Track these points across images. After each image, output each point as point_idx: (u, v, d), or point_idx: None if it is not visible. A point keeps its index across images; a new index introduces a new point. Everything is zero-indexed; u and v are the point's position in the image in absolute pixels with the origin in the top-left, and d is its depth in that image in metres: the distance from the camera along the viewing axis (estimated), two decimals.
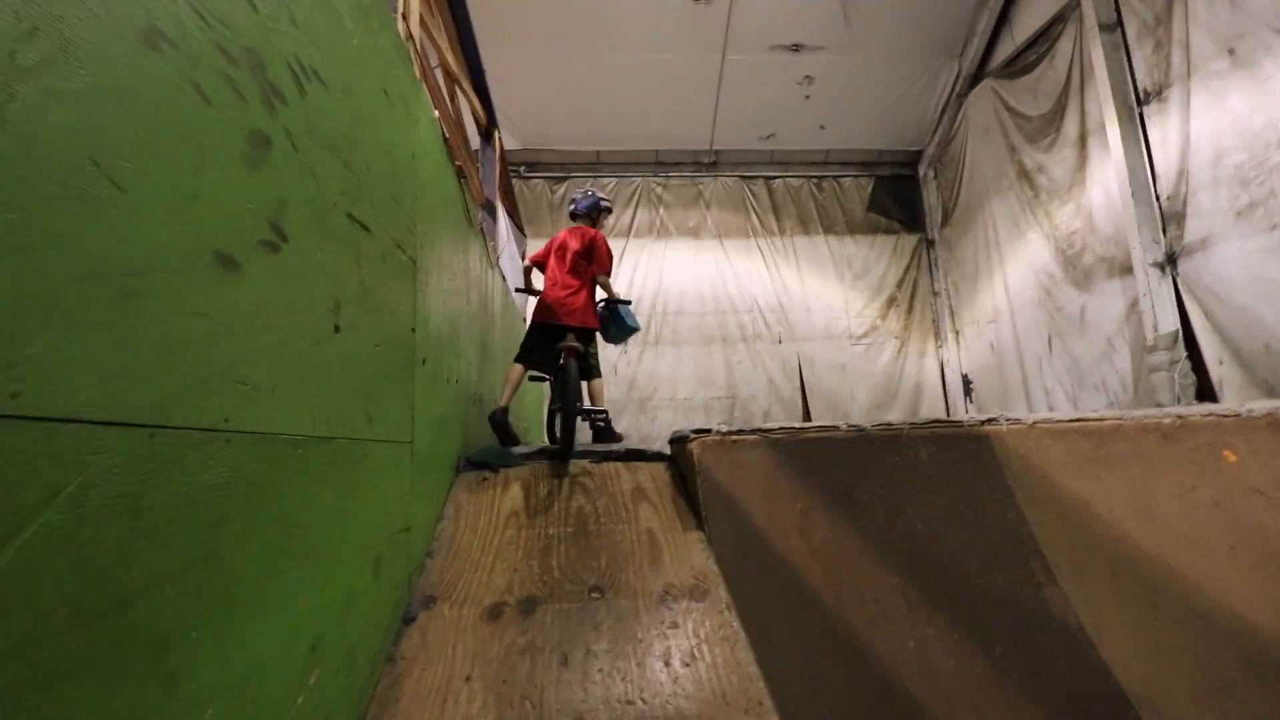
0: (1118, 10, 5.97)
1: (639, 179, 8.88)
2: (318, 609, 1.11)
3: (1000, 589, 1.99)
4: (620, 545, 1.97)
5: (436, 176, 2.15)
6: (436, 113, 2.28)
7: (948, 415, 8.22)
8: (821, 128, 8.74)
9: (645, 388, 8.24)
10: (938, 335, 8.87)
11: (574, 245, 3.09)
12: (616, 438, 3.18)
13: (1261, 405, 2.69)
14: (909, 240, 9.08)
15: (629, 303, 3.35)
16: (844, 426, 2.32)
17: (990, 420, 2.40)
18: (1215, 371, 5.17)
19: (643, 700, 1.38)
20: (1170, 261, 5.50)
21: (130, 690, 0.64)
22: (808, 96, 8.31)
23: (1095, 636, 1.91)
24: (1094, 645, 1.89)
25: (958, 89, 8.22)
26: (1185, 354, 5.37)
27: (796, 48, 7.80)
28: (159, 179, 0.71)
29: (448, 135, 2.52)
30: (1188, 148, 5.29)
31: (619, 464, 2.50)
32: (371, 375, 1.41)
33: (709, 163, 9.07)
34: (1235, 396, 5.02)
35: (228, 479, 0.82)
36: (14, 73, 0.55)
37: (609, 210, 3.45)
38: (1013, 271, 7.53)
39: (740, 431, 2.27)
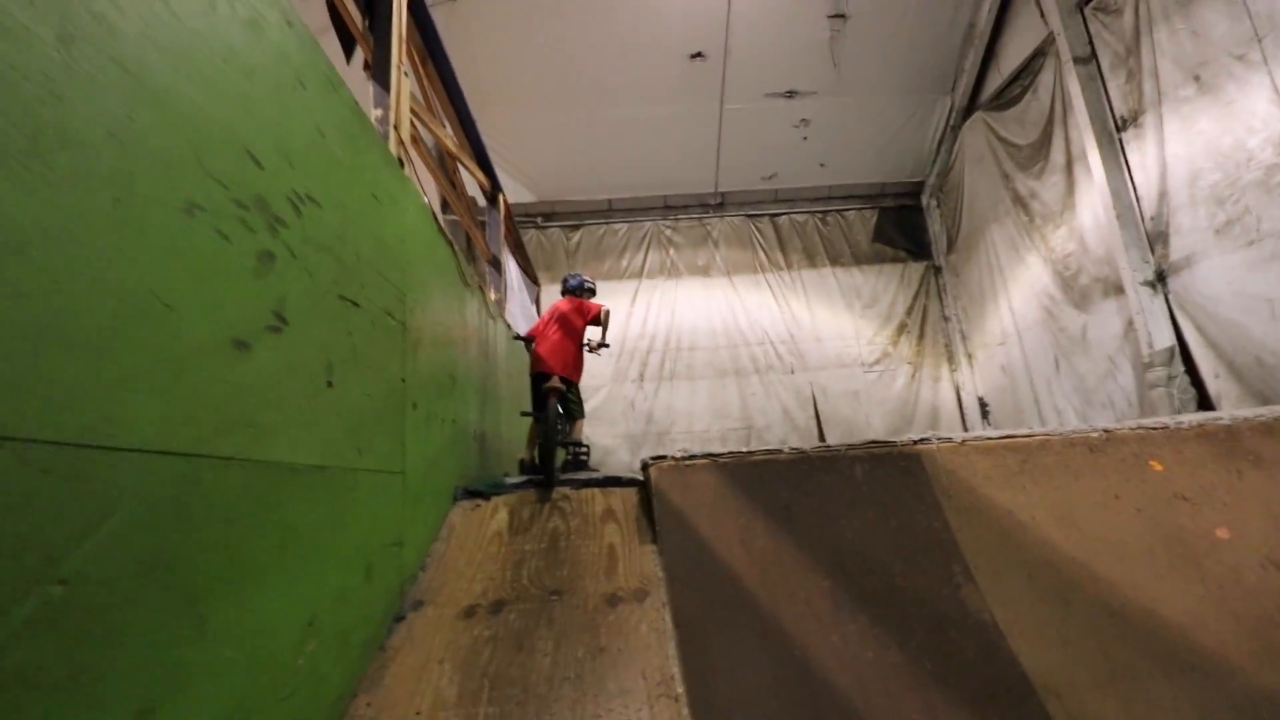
0: (1091, 43, 6.24)
1: (649, 223, 9.37)
2: (313, 596, 1.48)
3: (921, 589, 2.23)
4: (583, 557, 2.30)
5: (427, 250, 2.59)
6: (427, 196, 2.74)
7: None
8: (822, 165, 9.11)
9: (663, 421, 8.55)
10: (951, 359, 8.95)
11: (564, 308, 3.64)
12: (591, 470, 3.56)
13: (1192, 417, 2.88)
14: (916, 268, 9.27)
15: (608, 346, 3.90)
16: (786, 450, 2.61)
17: (923, 440, 2.66)
18: (1212, 385, 5.22)
19: (577, 676, 1.70)
20: (1161, 279, 5.61)
21: (176, 620, 1.02)
22: (805, 138, 8.72)
23: (1006, 630, 2.13)
24: (1004, 638, 2.11)
25: (952, 121, 8.52)
26: (1183, 369, 5.42)
27: (790, 94, 8.25)
28: (194, 297, 1.13)
29: (450, 206, 2.98)
30: (1165, 170, 5.46)
31: (596, 489, 2.84)
32: (362, 418, 1.81)
33: (715, 204, 9.52)
34: (1233, 408, 5.04)
35: (240, 492, 1.21)
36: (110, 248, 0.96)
37: (593, 290, 4.01)
38: (1016, 294, 7.65)
39: (693, 456, 2.60)
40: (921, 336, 8.94)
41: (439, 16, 6.84)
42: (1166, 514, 2.48)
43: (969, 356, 8.70)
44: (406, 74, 2.55)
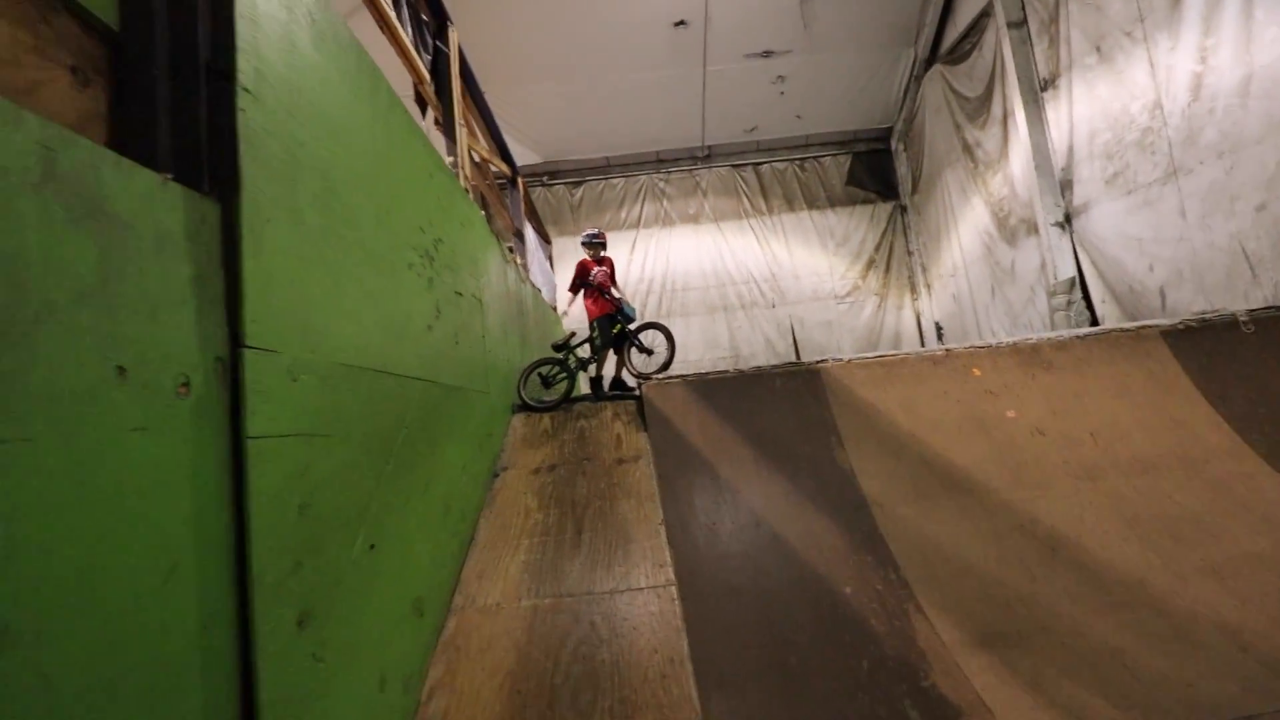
0: (1023, 8, 7.09)
1: (644, 176, 10.40)
2: (462, 453, 2.86)
3: (809, 452, 3.60)
4: (601, 440, 3.69)
5: (487, 249, 3.85)
6: (482, 209, 3.97)
7: None
8: (798, 117, 10.01)
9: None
10: (913, 290, 10.16)
11: (609, 268, 4.86)
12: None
13: (1008, 339, 4.17)
14: (885, 208, 10.32)
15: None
16: (732, 371, 3.95)
17: (822, 361, 3.98)
18: (1100, 309, 6.47)
19: (600, 495, 3.10)
20: (1068, 221, 6.75)
21: (429, 450, 2.39)
22: (782, 93, 9.59)
23: (858, 472, 3.50)
24: (855, 476, 3.49)
25: (914, 72, 9.35)
26: (1081, 296, 6.65)
27: (767, 54, 9.08)
28: (414, 307, 2.43)
29: (486, 199, 4.19)
30: (1073, 128, 6.49)
31: (608, 402, 4.21)
32: (469, 361, 3.15)
33: (703, 156, 10.49)
34: (1111, 324, 6.30)
35: (437, 397, 2.56)
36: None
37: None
38: (964, 232, 8.77)
39: (670, 378, 3.94)
40: (888, 270, 10.11)
41: (449, 6, 7.71)
42: (976, 402, 3.80)
43: (928, 287, 9.89)
44: (463, 124, 3.72)
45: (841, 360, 3.97)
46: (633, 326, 4.68)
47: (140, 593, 1.00)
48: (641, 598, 2.33)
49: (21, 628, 0.81)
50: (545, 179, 10.21)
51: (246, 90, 1.38)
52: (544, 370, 4.42)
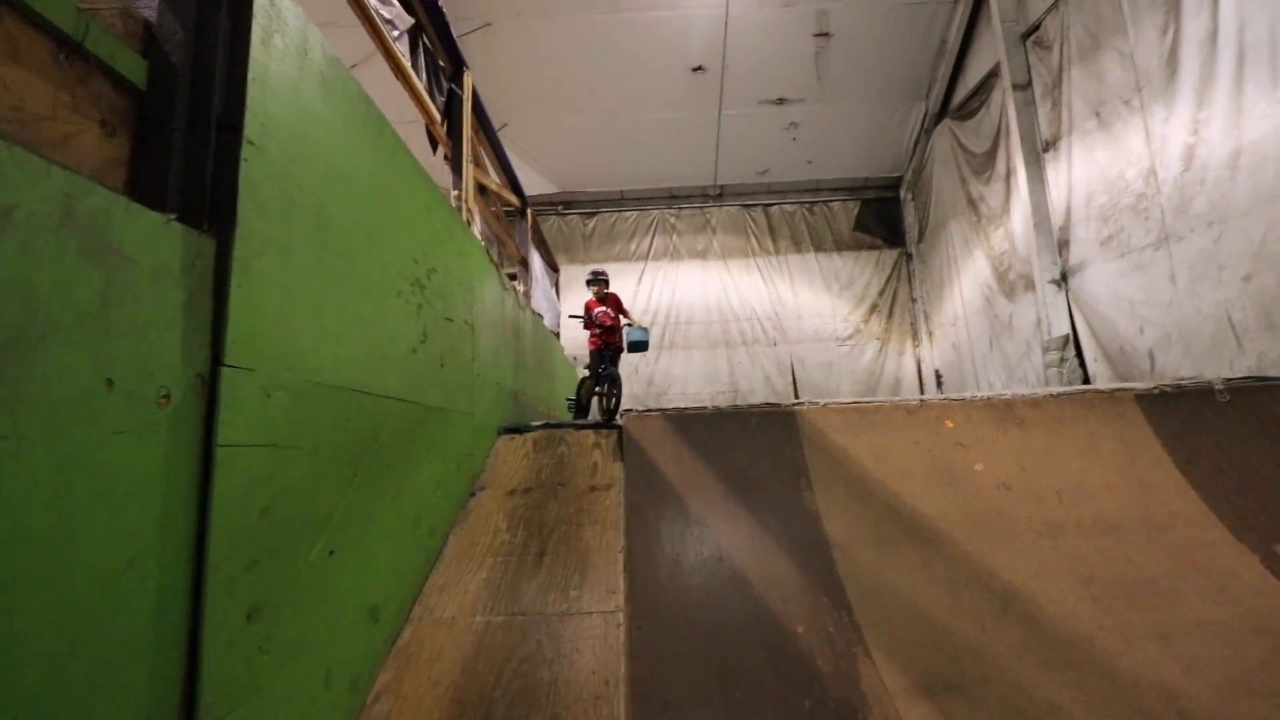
0: (1029, 72, 7.32)
1: (656, 211, 10.70)
2: (438, 471, 3.02)
3: (779, 492, 3.71)
4: (578, 467, 3.83)
5: (484, 277, 4.07)
6: (481, 235, 4.19)
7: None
8: (809, 162, 10.29)
9: (661, 384, 10.08)
10: (915, 336, 10.26)
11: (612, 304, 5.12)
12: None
13: (981, 394, 4.27)
14: (890, 255, 10.50)
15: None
16: (710, 408, 4.09)
17: (798, 403, 4.10)
18: (1092, 367, 6.54)
19: (568, 519, 3.24)
20: (1064, 279, 6.86)
21: (401, 465, 2.55)
22: (794, 139, 9.89)
23: (823, 514, 3.60)
24: (820, 517, 3.58)
25: (925, 125, 9.61)
26: (1075, 353, 6.73)
27: (781, 101, 9.41)
28: (400, 331, 2.63)
29: (492, 228, 4.42)
30: (1071, 189, 6.65)
31: (589, 430, 4.36)
32: (454, 384, 3.33)
33: (715, 195, 10.78)
34: (1105, 383, 6.36)
35: (416, 417, 2.73)
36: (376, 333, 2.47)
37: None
38: (966, 283, 8.90)
39: (650, 410, 4.09)
40: (890, 315, 10.23)
41: (475, 40, 8.14)
42: (946, 454, 3.89)
43: (930, 334, 9.99)
44: (470, 161, 3.98)
45: (818, 404, 4.09)
46: (601, 370, 4.90)
47: (101, 577, 1.17)
48: (589, 621, 2.45)
49: None
50: (560, 208, 10.55)
51: (251, 143, 1.59)
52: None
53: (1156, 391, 4.23)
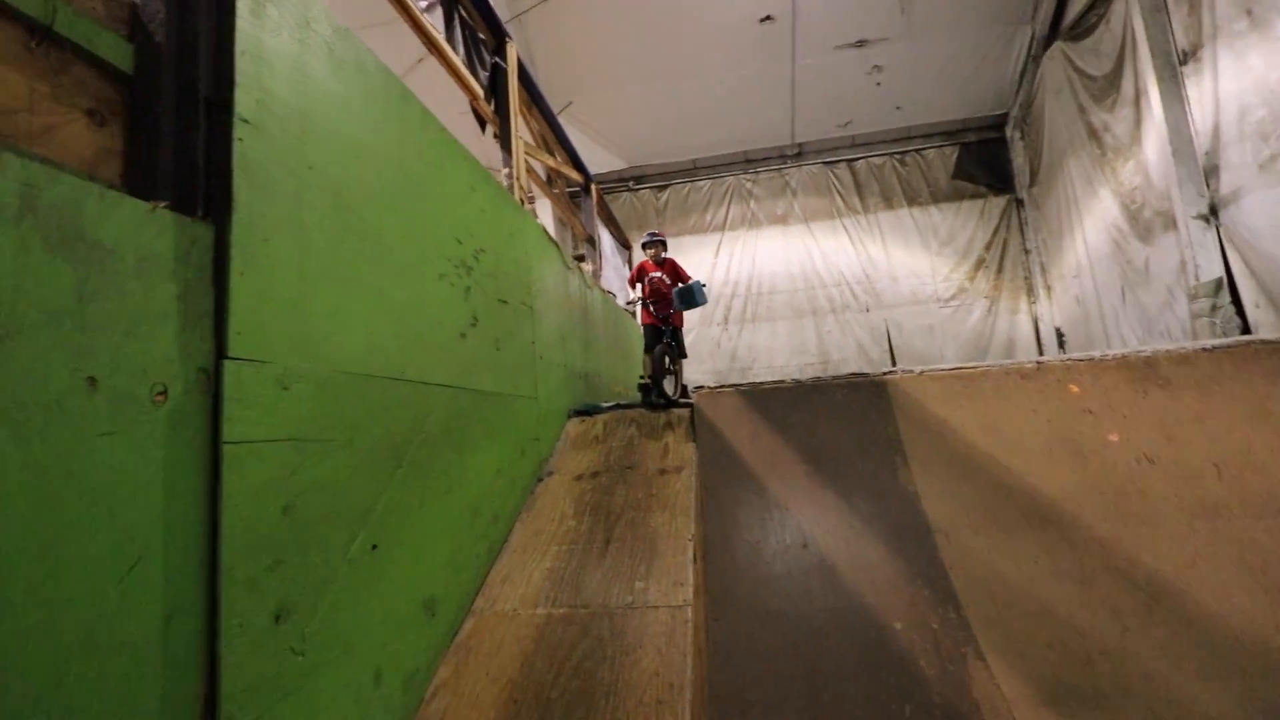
0: None
1: (730, 178, 10.22)
2: (500, 458, 2.93)
3: (869, 471, 3.35)
4: (647, 449, 3.65)
5: (543, 256, 3.94)
6: (538, 216, 4.06)
7: None
8: (898, 108, 9.40)
9: (745, 359, 9.70)
10: (1030, 292, 9.20)
11: (668, 270, 4.69)
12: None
13: (1118, 351, 3.64)
14: (997, 202, 9.44)
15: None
16: (789, 381, 3.76)
17: (890, 372, 3.68)
18: (1253, 314, 5.53)
19: (636, 505, 3.07)
20: (1214, 213, 5.81)
21: (457, 456, 2.47)
22: (879, 84, 9.05)
23: (922, 495, 3.20)
24: (919, 499, 3.19)
25: (1033, 51, 8.47)
26: (1230, 300, 5.71)
27: (861, 43, 8.61)
28: (447, 315, 2.53)
29: (556, 207, 4.27)
30: (1219, 105, 5.59)
31: (661, 410, 4.16)
32: (513, 368, 3.22)
33: (793, 154, 10.13)
34: (1267, 333, 5.32)
35: (469, 403, 2.64)
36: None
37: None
38: (1090, 227, 7.80)
39: (723, 386, 3.82)
40: (1000, 270, 9.22)
41: (534, 18, 8.02)
42: (1071, 423, 3.35)
43: (1048, 289, 8.90)
44: (519, 137, 3.84)
45: (913, 372, 3.65)
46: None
47: (99, 582, 1.10)
48: (654, 616, 2.27)
49: None
50: (631, 184, 10.33)
51: (245, 120, 1.49)
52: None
53: None
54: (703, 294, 4.58)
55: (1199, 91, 5.77)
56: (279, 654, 1.44)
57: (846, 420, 3.57)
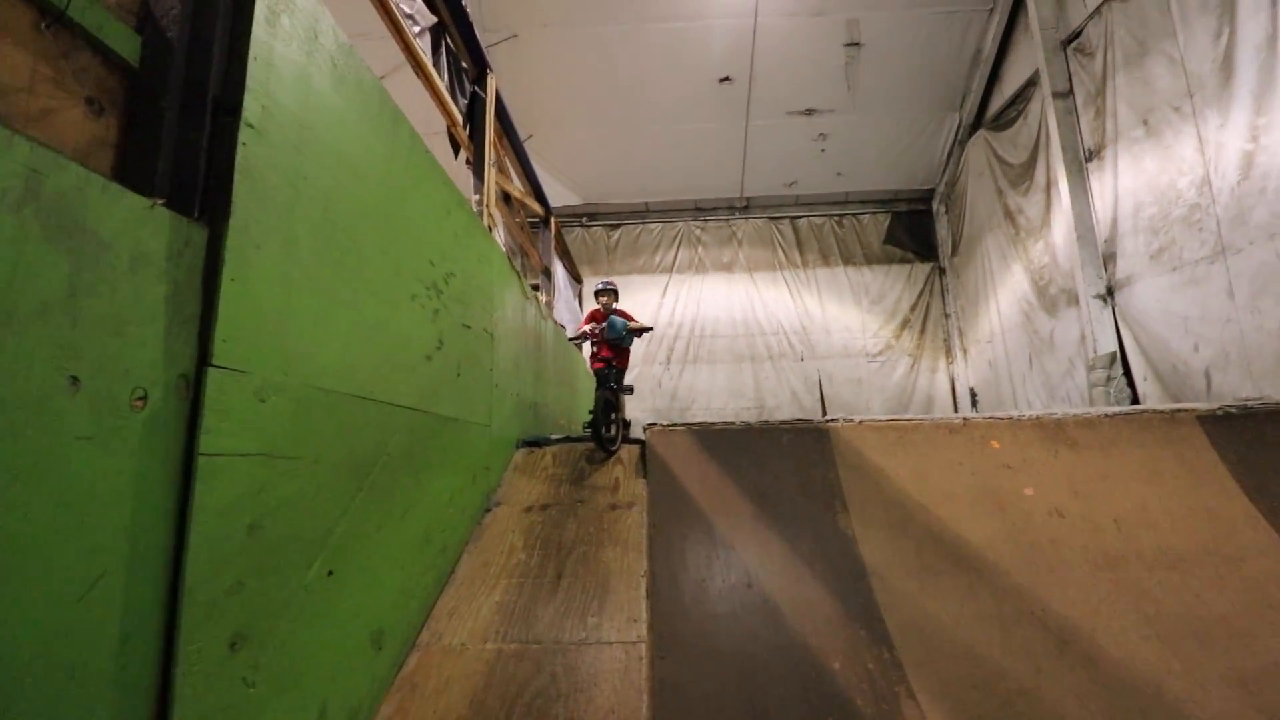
0: (1070, 80, 7.05)
1: (681, 223, 10.56)
2: (451, 485, 2.86)
3: (811, 514, 3.48)
4: (598, 483, 3.65)
5: (505, 285, 3.94)
6: (503, 243, 4.07)
7: None
8: (839, 174, 10.08)
9: (685, 399, 9.86)
10: (949, 353, 9.91)
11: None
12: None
13: (1031, 412, 4.00)
14: (923, 268, 10.19)
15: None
16: (738, 423, 3.88)
17: (832, 420, 3.88)
18: (1141, 386, 6.17)
19: (587, 539, 3.05)
20: (1110, 294, 6.52)
21: (411, 479, 2.41)
22: (823, 150, 9.70)
23: (859, 539, 3.36)
24: (856, 543, 3.34)
25: (959, 136, 9.34)
26: (1122, 372, 6.37)
27: (809, 112, 9.24)
28: (414, 336, 2.49)
29: (514, 235, 4.29)
30: (1117, 200, 6.34)
31: (610, 448, 4.18)
32: (470, 394, 3.18)
33: (741, 207, 10.61)
34: (1153, 404, 5.98)
35: (428, 427, 2.59)
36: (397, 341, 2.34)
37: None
38: (1003, 298, 8.56)
39: (675, 424, 3.90)
40: (923, 331, 9.91)
41: (502, 51, 8.14)
42: (992, 476, 3.63)
43: (964, 351, 9.63)
44: (492, 165, 3.87)
45: (853, 421, 3.86)
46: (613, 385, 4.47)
47: (60, 599, 1.02)
48: (609, 652, 2.26)
49: None
50: (584, 220, 10.48)
51: (250, 126, 1.47)
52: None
53: (1220, 413, 3.92)
54: (628, 333, 4.47)
55: (1101, 186, 6.54)
56: (232, 684, 1.35)
57: (791, 464, 3.71)
